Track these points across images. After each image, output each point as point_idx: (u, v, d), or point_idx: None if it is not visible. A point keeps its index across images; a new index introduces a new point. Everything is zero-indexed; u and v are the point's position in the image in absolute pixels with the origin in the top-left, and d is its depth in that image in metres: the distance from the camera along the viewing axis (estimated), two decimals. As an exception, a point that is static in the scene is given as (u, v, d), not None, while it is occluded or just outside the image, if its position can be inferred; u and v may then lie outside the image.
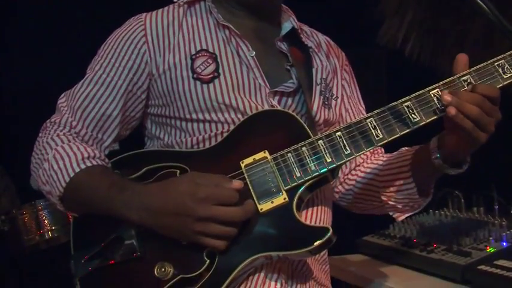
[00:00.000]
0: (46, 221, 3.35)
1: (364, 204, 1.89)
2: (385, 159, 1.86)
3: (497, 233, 2.34)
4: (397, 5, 3.13)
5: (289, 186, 1.60)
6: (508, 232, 2.33)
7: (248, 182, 1.61)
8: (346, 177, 1.91)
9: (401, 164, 1.77)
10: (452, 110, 1.53)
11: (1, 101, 4.18)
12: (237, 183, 1.56)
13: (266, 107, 1.70)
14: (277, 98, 1.72)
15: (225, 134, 1.68)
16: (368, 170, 1.86)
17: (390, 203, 1.80)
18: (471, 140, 1.56)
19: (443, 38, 2.97)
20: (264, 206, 1.60)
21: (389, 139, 1.62)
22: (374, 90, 3.81)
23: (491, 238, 2.32)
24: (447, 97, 1.55)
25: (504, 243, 2.27)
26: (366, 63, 4.01)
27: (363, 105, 1.95)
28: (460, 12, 2.87)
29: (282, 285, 1.68)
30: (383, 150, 1.93)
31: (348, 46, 2.06)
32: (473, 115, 1.53)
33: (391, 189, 1.78)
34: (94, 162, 1.67)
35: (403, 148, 1.82)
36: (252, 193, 1.60)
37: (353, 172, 1.90)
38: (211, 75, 1.68)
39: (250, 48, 1.73)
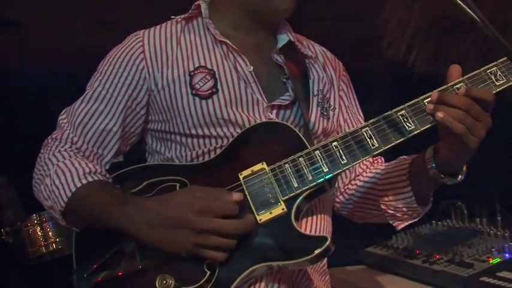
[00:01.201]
0: (50, 233, 3.36)
1: (364, 213, 1.90)
2: (383, 167, 1.87)
3: (499, 244, 2.34)
4: (400, 16, 3.14)
5: (287, 197, 1.62)
6: (510, 243, 2.33)
7: (247, 193, 1.63)
8: (346, 187, 1.92)
9: (399, 173, 1.78)
10: (439, 114, 1.56)
11: (6, 112, 4.22)
12: (236, 196, 1.59)
13: (264, 120, 1.72)
14: (274, 111, 1.75)
15: (224, 147, 1.70)
16: (367, 179, 1.87)
17: (389, 211, 1.81)
18: (462, 145, 1.57)
19: (446, 47, 2.98)
20: (263, 217, 1.61)
21: (385, 148, 1.63)
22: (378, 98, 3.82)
23: (493, 249, 2.32)
24: (434, 96, 1.59)
25: (507, 255, 2.27)
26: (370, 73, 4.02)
27: (362, 115, 1.96)
28: (461, 22, 2.88)
29: None
30: (383, 160, 1.94)
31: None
32: (458, 117, 1.55)
33: (390, 197, 1.79)
34: (95, 178, 1.69)
35: (402, 157, 1.83)
36: (251, 204, 1.62)
37: (353, 182, 1.91)
38: (210, 91, 1.71)
39: (248, 63, 1.75)
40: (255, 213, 1.61)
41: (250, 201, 1.62)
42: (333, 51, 2.00)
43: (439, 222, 2.67)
